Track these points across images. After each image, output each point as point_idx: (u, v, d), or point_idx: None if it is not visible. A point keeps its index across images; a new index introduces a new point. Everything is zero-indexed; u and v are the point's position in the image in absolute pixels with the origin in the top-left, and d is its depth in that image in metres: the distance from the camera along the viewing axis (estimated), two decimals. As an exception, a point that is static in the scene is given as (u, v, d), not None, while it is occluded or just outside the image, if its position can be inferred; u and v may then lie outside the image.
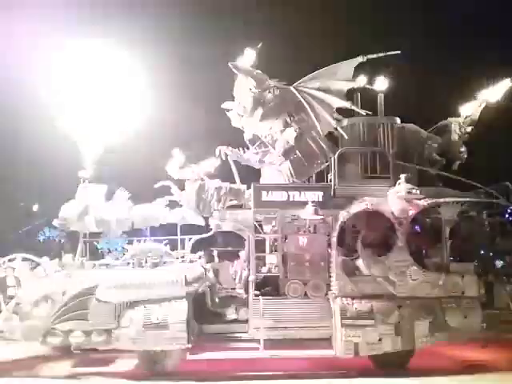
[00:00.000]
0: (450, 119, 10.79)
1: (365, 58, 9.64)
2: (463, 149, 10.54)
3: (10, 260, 12.02)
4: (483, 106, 10.61)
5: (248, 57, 9.47)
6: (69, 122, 10.16)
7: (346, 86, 9.77)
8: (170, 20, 19.82)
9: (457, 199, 9.23)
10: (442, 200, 9.10)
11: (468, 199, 9.36)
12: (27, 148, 24.44)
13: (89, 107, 10.26)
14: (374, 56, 9.62)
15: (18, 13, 17.17)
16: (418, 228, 10.07)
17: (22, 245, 18.26)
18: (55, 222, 9.94)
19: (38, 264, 11.19)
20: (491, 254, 10.55)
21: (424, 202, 8.97)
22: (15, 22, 16.87)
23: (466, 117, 10.73)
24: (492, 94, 10.50)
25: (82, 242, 9.80)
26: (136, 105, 10.25)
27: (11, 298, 9.53)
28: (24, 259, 11.92)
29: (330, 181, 9.42)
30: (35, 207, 30.91)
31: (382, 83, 10.32)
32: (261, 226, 9.48)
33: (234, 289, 10.30)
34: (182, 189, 9.85)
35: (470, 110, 10.72)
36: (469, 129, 10.65)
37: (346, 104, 9.80)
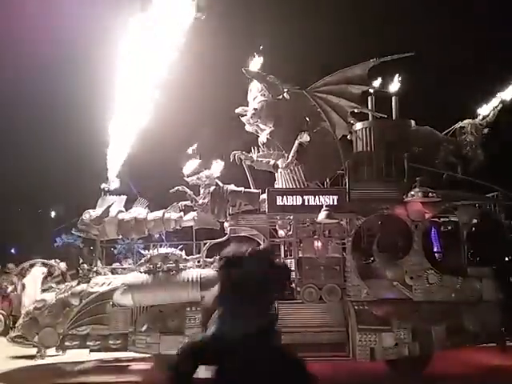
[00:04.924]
0: (466, 121, 10.69)
1: (378, 61, 9.60)
2: (479, 151, 10.43)
3: (30, 266, 12.23)
4: (500, 107, 10.49)
5: (258, 62, 9.51)
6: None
7: (359, 90, 9.74)
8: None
9: (473, 202, 9.12)
10: (458, 203, 9.00)
11: (485, 202, 9.25)
12: (46, 154, 24.82)
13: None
14: (388, 58, 9.58)
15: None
16: (434, 231, 9.97)
17: (41, 250, 18.51)
18: (74, 230, 10.10)
19: (57, 269, 11.35)
20: (510, 257, 10.38)
21: (440, 205, 8.89)
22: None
23: (483, 118, 10.62)
24: (509, 94, 10.38)
25: (99, 248, 9.91)
26: (150, 109, 10.22)
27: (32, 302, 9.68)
28: (42, 264, 12.13)
29: (345, 185, 9.39)
30: (53, 213, 31.40)
31: (395, 85, 10.27)
32: (275, 230, 9.48)
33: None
34: (197, 194, 9.89)
35: (487, 111, 10.60)
36: (485, 130, 10.53)
37: (360, 107, 9.77)
